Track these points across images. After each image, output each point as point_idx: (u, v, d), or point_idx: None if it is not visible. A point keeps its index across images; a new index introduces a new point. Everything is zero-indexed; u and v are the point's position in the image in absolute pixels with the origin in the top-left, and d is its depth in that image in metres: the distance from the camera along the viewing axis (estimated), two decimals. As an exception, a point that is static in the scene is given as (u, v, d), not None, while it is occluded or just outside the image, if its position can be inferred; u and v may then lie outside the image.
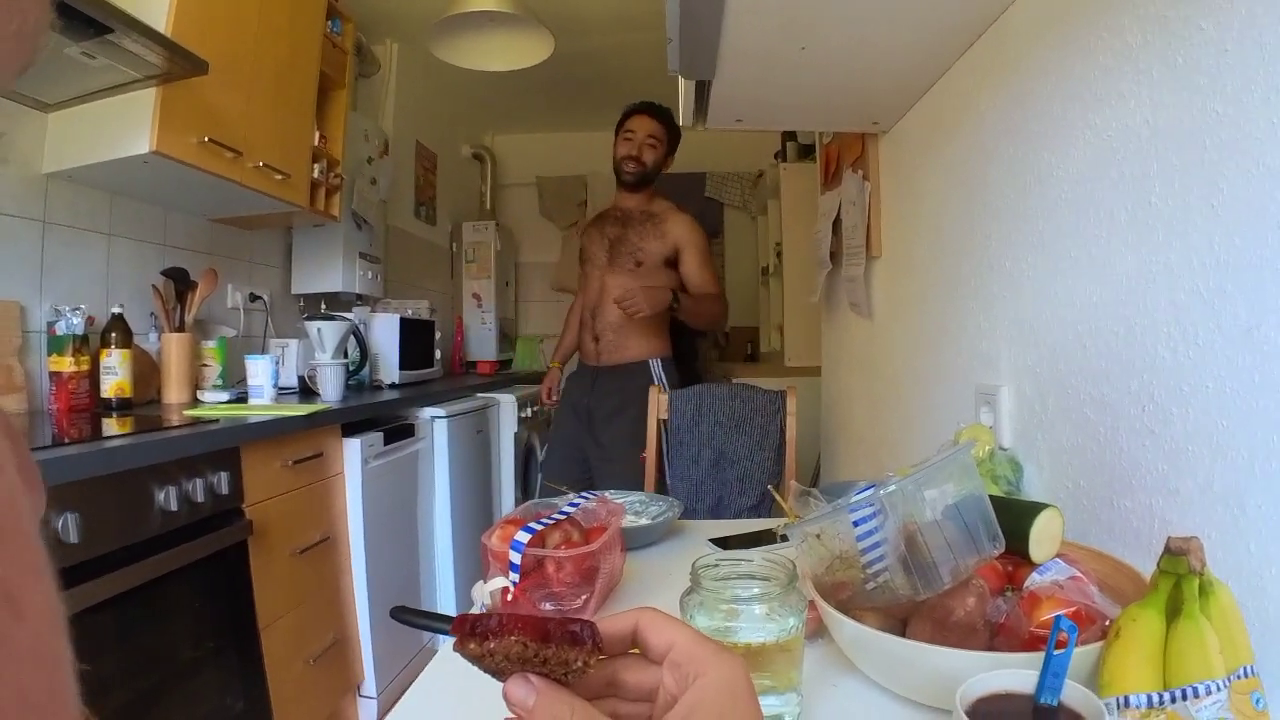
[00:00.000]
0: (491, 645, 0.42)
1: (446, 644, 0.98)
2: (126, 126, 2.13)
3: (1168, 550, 0.69)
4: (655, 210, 3.06)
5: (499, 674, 0.43)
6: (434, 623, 1.04)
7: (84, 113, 2.20)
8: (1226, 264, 0.83)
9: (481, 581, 1.06)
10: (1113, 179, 1.06)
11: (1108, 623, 0.75)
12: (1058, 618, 0.64)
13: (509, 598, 1.02)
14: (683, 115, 1.95)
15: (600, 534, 1.11)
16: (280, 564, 2.18)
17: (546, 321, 5.79)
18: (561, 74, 4.37)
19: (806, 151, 4.17)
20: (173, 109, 2.16)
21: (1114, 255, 1.06)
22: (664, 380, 2.95)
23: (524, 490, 3.88)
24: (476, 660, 0.43)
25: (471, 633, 0.42)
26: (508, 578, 1.04)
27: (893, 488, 0.83)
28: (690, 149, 5.31)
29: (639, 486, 2.39)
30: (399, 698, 2.50)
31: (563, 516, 1.15)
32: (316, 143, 2.96)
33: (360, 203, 3.55)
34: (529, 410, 3.98)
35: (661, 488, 2.51)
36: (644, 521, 1.52)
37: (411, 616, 1.12)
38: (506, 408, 3.85)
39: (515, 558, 1.03)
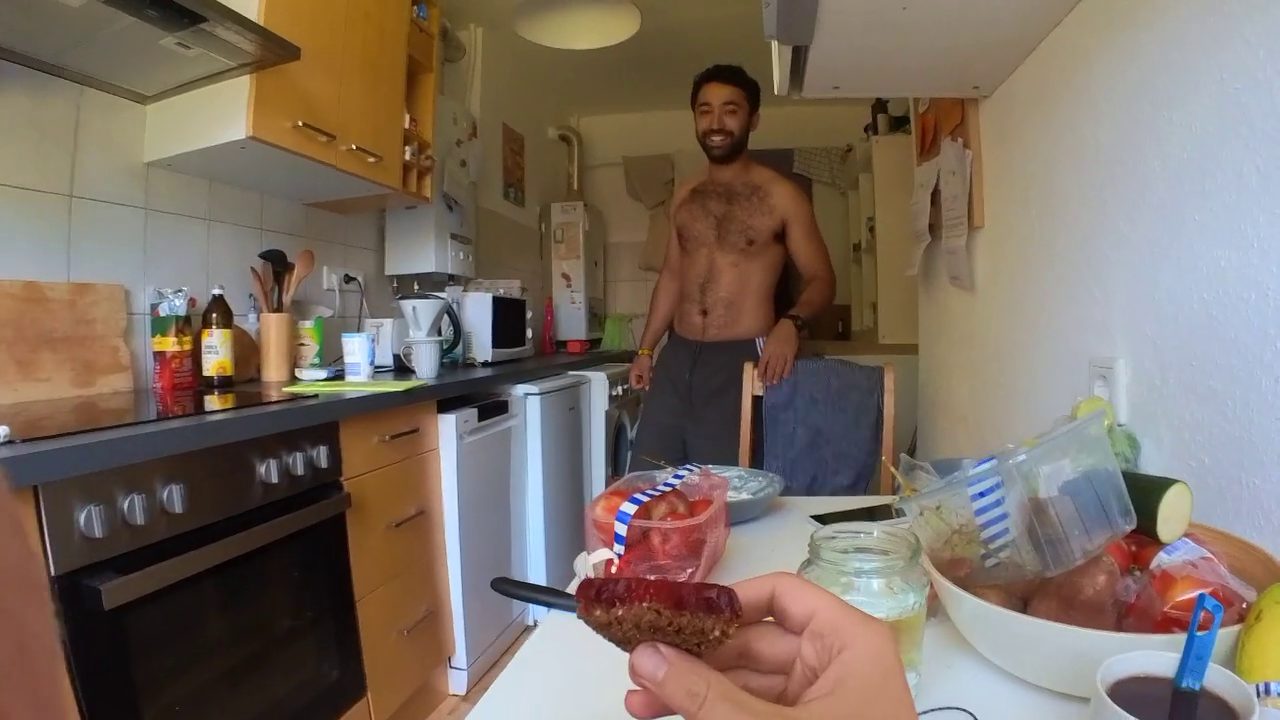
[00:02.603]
0: (620, 612, 0.38)
1: (543, 620, 0.96)
2: (223, 114, 2.18)
3: None
4: (757, 181, 2.94)
5: (625, 643, 0.40)
6: (535, 594, 1.04)
7: (181, 102, 2.27)
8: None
9: (585, 553, 1.05)
10: (1242, 135, 0.98)
11: (1244, 605, 0.69)
12: (1201, 596, 0.59)
13: (613, 569, 1.00)
14: (777, 84, 1.89)
15: (705, 507, 1.09)
16: (376, 537, 2.22)
17: (635, 301, 5.79)
18: (646, 52, 4.35)
19: (898, 124, 4.06)
20: (267, 95, 2.20)
21: (1244, 217, 0.99)
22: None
23: (614, 468, 3.88)
24: (603, 628, 0.40)
25: (598, 598, 0.39)
26: (612, 549, 1.02)
27: (1022, 457, 0.78)
28: (776, 125, 5.23)
29: (736, 464, 2.36)
30: (489, 671, 2.54)
31: (668, 489, 1.12)
32: (407, 126, 2.99)
33: (451, 185, 3.58)
34: (619, 389, 3.98)
35: (756, 465, 2.47)
36: (745, 496, 1.49)
37: (512, 588, 1.12)
38: (597, 385, 3.85)
39: (621, 529, 1.01)
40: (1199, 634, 0.57)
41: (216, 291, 2.36)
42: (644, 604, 0.38)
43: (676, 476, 1.21)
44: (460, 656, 2.68)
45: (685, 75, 3.05)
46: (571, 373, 3.71)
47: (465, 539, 2.64)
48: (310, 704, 1.96)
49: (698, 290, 2.97)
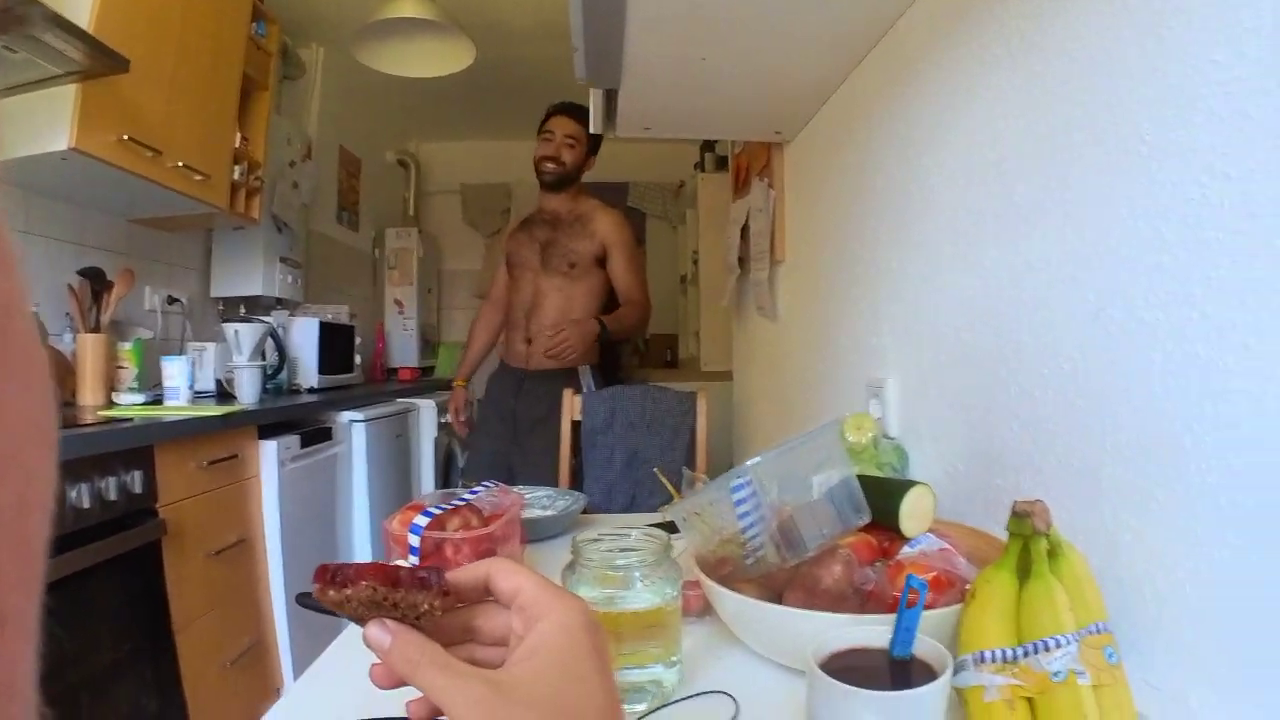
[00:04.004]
0: (348, 592, 0.45)
1: (351, 628, 1.01)
2: (45, 122, 2.10)
3: (1014, 513, 0.74)
4: (582, 210, 3.04)
5: (360, 621, 0.46)
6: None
7: (1, 107, 2.16)
8: (1077, 253, 0.91)
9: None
10: (981, 179, 1.15)
11: (968, 586, 0.79)
12: (909, 577, 0.69)
13: None
14: (594, 122, 2.00)
15: (499, 519, 1.15)
16: (195, 565, 2.16)
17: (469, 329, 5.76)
18: (485, 82, 4.39)
19: (723, 163, 4.26)
20: (92, 106, 2.14)
21: (984, 252, 1.15)
22: (592, 387, 2.94)
23: (446, 495, 3.87)
24: (338, 607, 0.46)
25: (331, 581, 0.45)
26: (406, 561, 1.06)
27: (757, 459, 0.90)
28: (613, 159, 5.38)
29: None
30: None
31: (462, 503, 1.18)
32: (238, 144, 2.94)
33: (281, 206, 3.52)
34: (447, 417, 3.97)
35: (577, 488, 2.55)
36: (545, 513, 1.56)
37: (315, 602, 1.14)
38: (427, 413, 3.86)
39: (414, 540, 1.06)
40: (908, 609, 0.67)
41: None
42: (364, 583, 0.45)
43: (472, 492, 1.26)
44: (289, 687, 2.59)
45: (524, 107, 3.14)
46: (400, 400, 3.70)
47: (289, 567, 2.59)
48: None
49: (523, 317, 3.02)
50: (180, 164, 2.54)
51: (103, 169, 2.27)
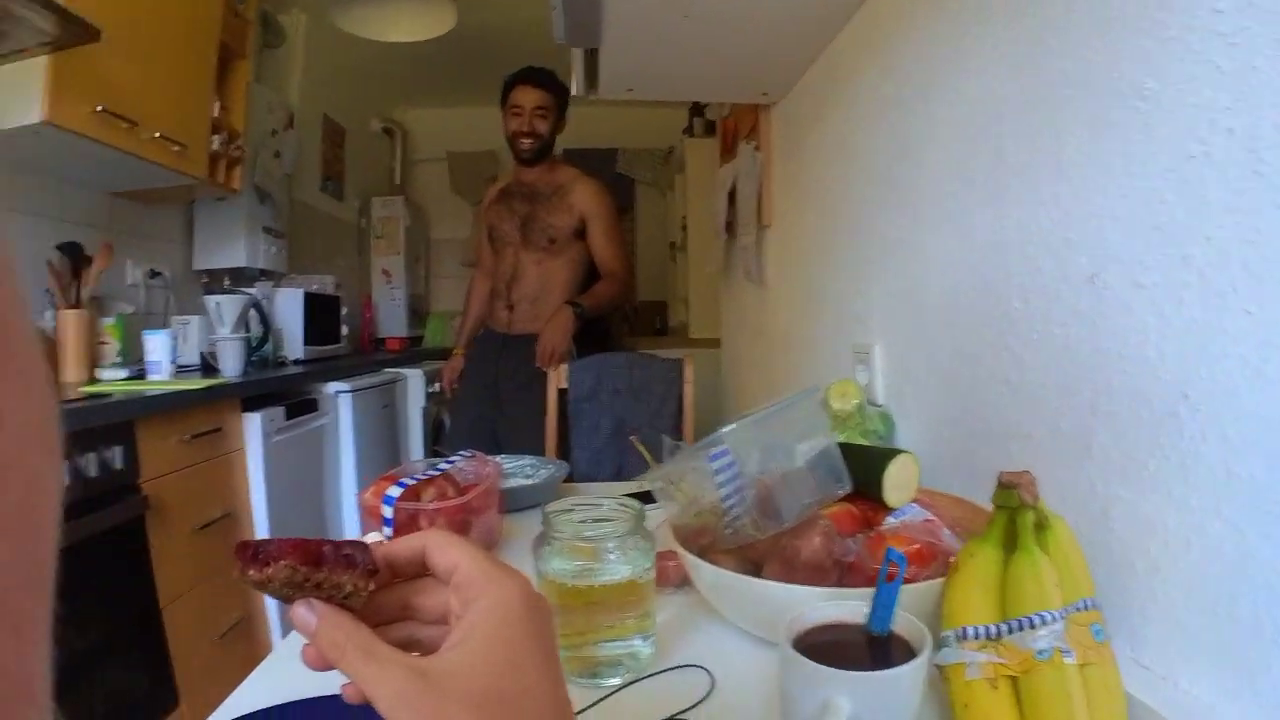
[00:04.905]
0: (269, 571, 0.41)
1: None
2: (16, 96, 2.05)
3: (1000, 484, 0.71)
4: (560, 181, 3.01)
5: (287, 600, 0.43)
6: None
7: None
8: (1071, 215, 0.87)
9: (360, 535, 1.06)
10: (972, 141, 1.11)
11: (952, 560, 0.77)
12: (888, 550, 0.66)
13: None
14: (575, 85, 1.96)
15: (474, 489, 1.13)
16: (180, 541, 2.15)
17: (458, 297, 5.63)
18: (470, 48, 4.33)
19: (712, 127, 4.21)
20: (65, 78, 2.09)
21: (973, 215, 1.12)
22: (573, 353, 2.91)
23: (435, 464, 3.86)
24: (260, 587, 0.42)
25: (252, 559, 0.41)
26: (381, 532, 1.05)
27: (733, 426, 0.87)
28: (601, 125, 5.33)
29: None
30: None
31: (437, 473, 1.15)
32: (216, 114, 2.89)
33: (263, 176, 3.47)
34: (437, 385, 3.95)
35: (565, 457, 2.53)
36: (525, 482, 1.53)
37: None
38: (414, 382, 3.83)
39: (387, 512, 1.04)
40: (886, 584, 0.64)
41: None
42: (283, 562, 0.41)
43: (448, 462, 1.24)
44: (276, 648, 2.59)
45: (509, 72, 3.07)
46: (388, 370, 3.67)
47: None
48: (119, 717, 1.88)
49: (504, 287, 3.03)
50: (157, 135, 2.49)
51: (78, 141, 2.22)
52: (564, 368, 2.59)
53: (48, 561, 0.21)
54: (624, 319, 5.49)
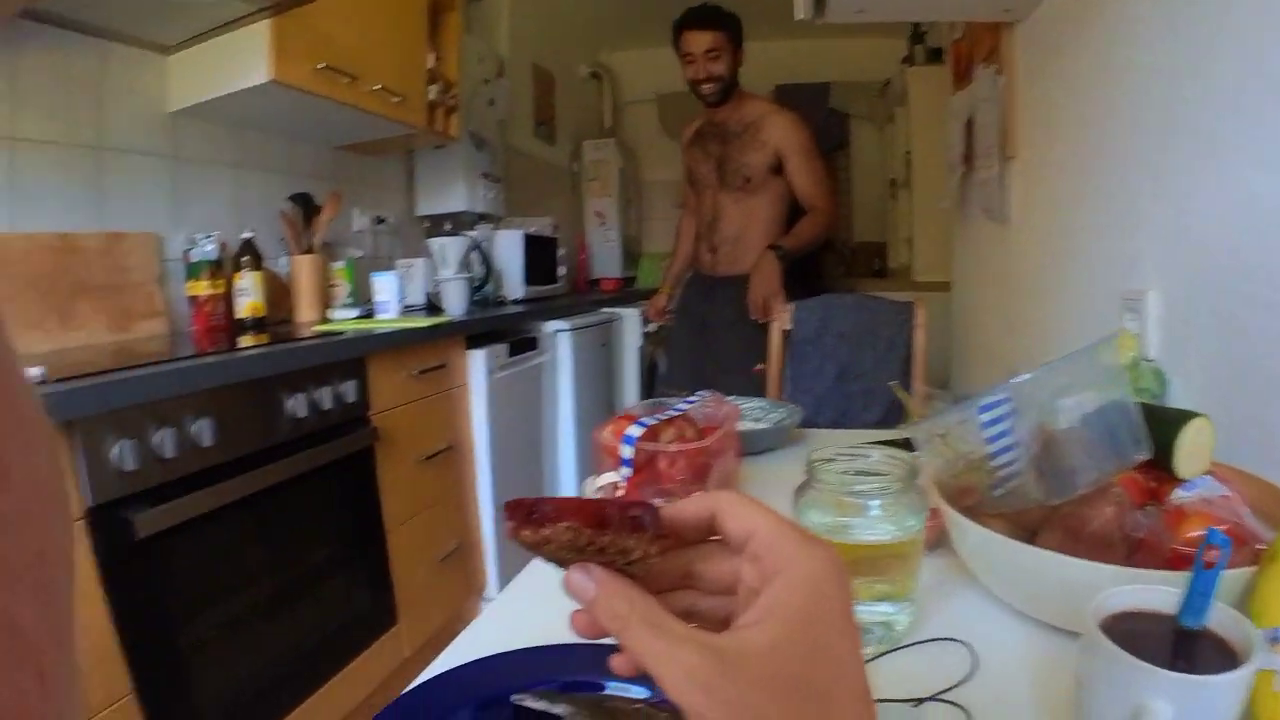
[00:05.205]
0: (547, 532, 0.37)
1: None
2: (243, 59, 2.19)
3: None
4: (750, 117, 2.92)
5: (561, 564, 0.40)
6: None
7: (202, 51, 2.28)
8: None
9: (593, 477, 1.05)
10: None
11: (1260, 547, 0.65)
12: (1210, 531, 0.56)
13: (618, 493, 1.00)
14: (800, 9, 1.86)
15: (715, 432, 1.09)
16: (406, 470, 2.27)
17: (670, 239, 5.71)
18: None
19: (936, 55, 3.97)
20: (286, 38, 2.20)
21: (1277, 135, 0.94)
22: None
23: (649, 404, 3.90)
24: (534, 549, 0.39)
25: (527, 519, 0.38)
26: (618, 472, 1.02)
27: (1026, 376, 0.77)
28: (812, 59, 5.16)
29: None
30: None
31: (677, 414, 1.12)
32: (431, 65, 2.98)
33: (478, 124, 3.58)
34: (652, 325, 3.99)
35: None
36: (759, 426, 1.50)
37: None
38: (630, 322, 3.88)
39: (627, 451, 1.01)
40: (1204, 570, 0.54)
41: (247, 235, 2.39)
42: (564, 524, 0.37)
43: (688, 402, 1.21)
44: (492, 588, 2.74)
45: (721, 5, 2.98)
46: (604, 310, 3.72)
47: (496, 472, 2.68)
48: (342, 633, 2.03)
49: (706, 229, 3.02)
50: (377, 87, 2.59)
51: (303, 98, 2.35)
52: (789, 308, 2.52)
53: (67, 610, 0.21)
54: (839, 260, 5.32)
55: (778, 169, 2.89)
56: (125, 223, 2.20)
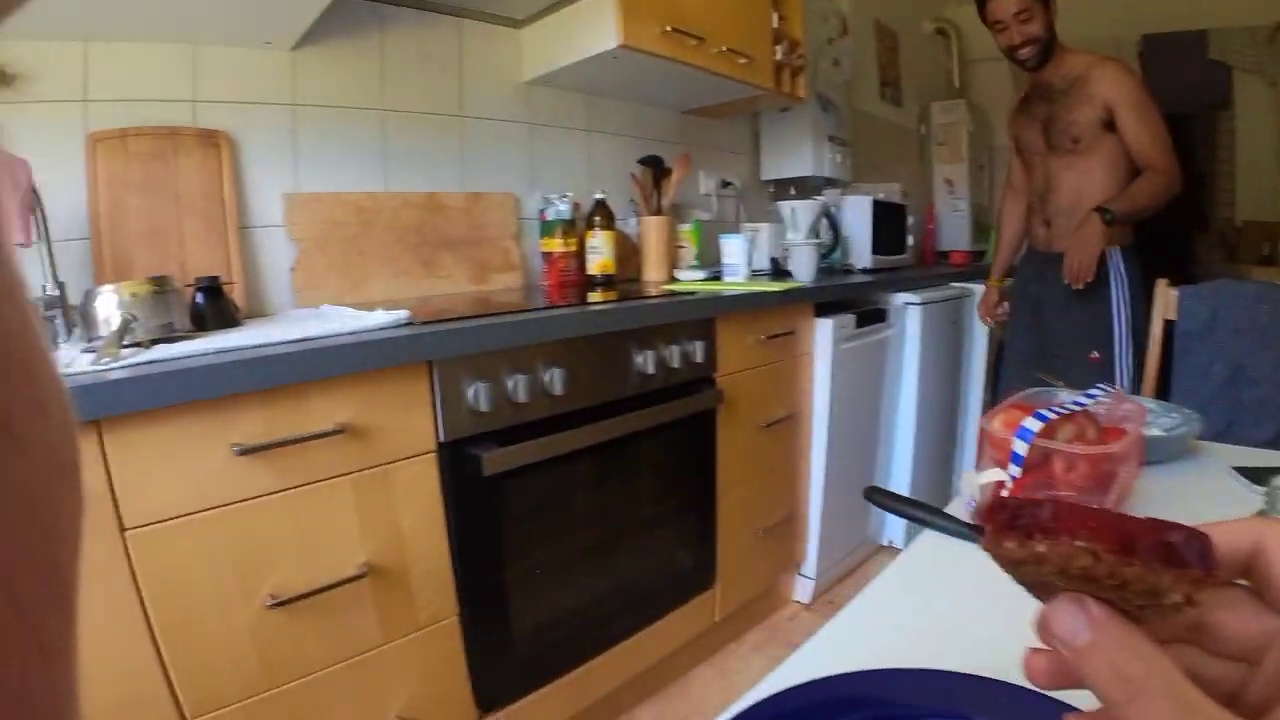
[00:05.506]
0: (1041, 549, 0.27)
1: (917, 541, 0.86)
2: (592, 27, 2.26)
3: None
4: (1075, 70, 2.57)
5: (1039, 590, 0.29)
6: (915, 511, 0.91)
7: (552, 22, 2.41)
8: None
9: (972, 470, 0.93)
10: None
11: None
12: None
13: (1003, 494, 0.88)
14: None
15: (1117, 435, 0.93)
16: (744, 435, 2.24)
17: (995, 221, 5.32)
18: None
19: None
20: (633, 3, 2.23)
21: None
22: (1123, 274, 2.53)
23: (993, 387, 3.60)
24: (1014, 566, 0.28)
25: (1012, 524, 0.28)
26: (1006, 470, 0.89)
27: None
28: (1184, 3, 4.50)
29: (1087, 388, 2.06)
30: (835, 585, 2.50)
31: (1077, 408, 0.96)
32: (775, 25, 2.89)
33: (824, 85, 3.45)
34: (1005, 305, 3.68)
35: (1162, 399, 2.15)
36: (1156, 432, 1.27)
37: (890, 501, 1.01)
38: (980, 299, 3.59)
39: (1020, 447, 0.88)
40: None
41: (599, 196, 2.49)
42: (1078, 542, 0.27)
43: (1088, 396, 1.03)
44: (810, 565, 2.65)
45: None
46: (954, 284, 3.47)
47: (831, 447, 2.58)
48: (660, 587, 2.06)
49: (1039, 201, 2.74)
50: (723, 49, 2.56)
51: (651, 62, 2.37)
52: (1172, 295, 2.19)
53: (72, 587, 0.19)
54: (1218, 242, 4.65)
55: (1110, 124, 2.53)
56: (485, 184, 2.39)
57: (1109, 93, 2.51)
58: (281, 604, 1.28)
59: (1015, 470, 0.88)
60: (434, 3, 2.26)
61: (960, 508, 0.94)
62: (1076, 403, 0.98)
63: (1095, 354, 2.51)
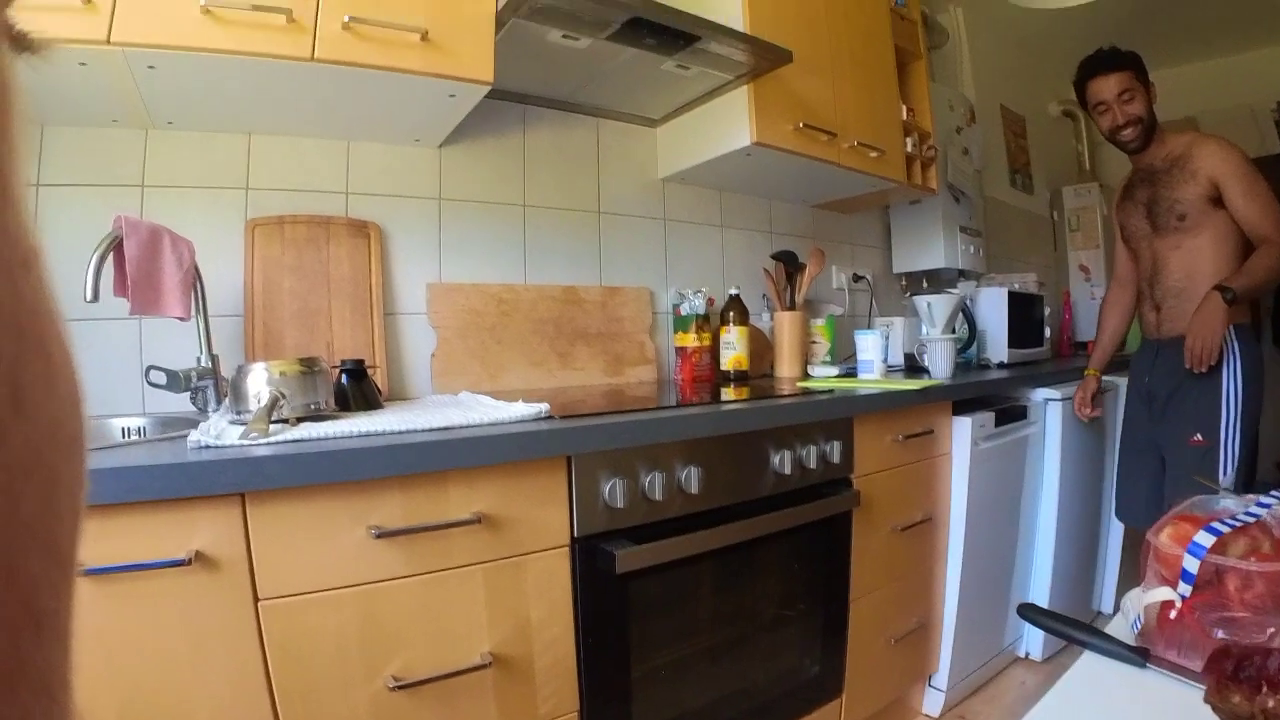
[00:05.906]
0: (1272, 704, 0.25)
1: (1078, 664, 0.81)
2: (726, 125, 2.33)
3: None
4: (1176, 150, 2.50)
5: None
6: (1079, 633, 0.86)
7: (686, 121, 2.50)
8: None
9: (1139, 589, 0.88)
10: None
11: None
12: None
13: (1171, 615, 0.82)
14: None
15: None
16: (880, 538, 2.17)
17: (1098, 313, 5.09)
18: (1151, 3, 3.83)
19: None
20: (765, 101, 2.28)
21: None
22: (1238, 353, 2.39)
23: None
24: (1230, 715, 0.26)
25: (1236, 676, 0.25)
26: (1175, 589, 0.83)
27: None
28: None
29: (1194, 480, 1.92)
30: (966, 698, 2.36)
31: (1251, 519, 0.89)
32: (904, 117, 2.91)
33: (955, 174, 3.42)
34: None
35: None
36: None
37: (1047, 620, 0.96)
38: (1125, 393, 3.43)
39: (1191, 564, 0.82)
40: None
41: (733, 291, 2.53)
42: None
43: (1261, 505, 0.97)
44: (941, 676, 2.51)
45: (1200, 24, 2.59)
46: (1095, 378, 3.34)
47: (969, 551, 2.48)
48: (785, 694, 1.98)
49: (1147, 286, 2.64)
50: (855, 143, 2.59)
51: (784, 158, 2.42)
52: None
53: (70, 562, 0.20)
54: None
55: (1216, 201, 2.42)
56: (621, 278, 2.46)
57: (1213, 168, 2.43)
58: (404, 686, 1.28)
59: (1185, 589, 0.83)
60: (574, 103, 2.37)
61: (1123, 628, 0.89)
62: (1249, 513, 0.92)
63: (1198, 436, 2.37)
